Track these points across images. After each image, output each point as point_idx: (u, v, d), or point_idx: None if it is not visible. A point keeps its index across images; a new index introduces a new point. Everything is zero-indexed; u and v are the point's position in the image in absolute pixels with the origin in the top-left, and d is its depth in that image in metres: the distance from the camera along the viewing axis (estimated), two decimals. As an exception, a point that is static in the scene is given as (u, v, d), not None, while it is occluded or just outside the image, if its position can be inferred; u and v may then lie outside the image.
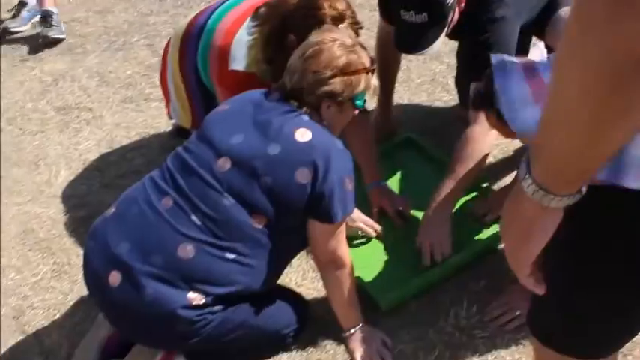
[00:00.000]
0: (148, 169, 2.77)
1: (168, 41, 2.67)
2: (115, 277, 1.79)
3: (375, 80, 2.00)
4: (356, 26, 2.18)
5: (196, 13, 2.56)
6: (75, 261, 2.48)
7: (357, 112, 2.01)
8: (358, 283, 2.08)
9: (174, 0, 4.23)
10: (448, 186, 2.28)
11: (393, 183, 2.61)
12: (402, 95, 3.17)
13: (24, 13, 4.01)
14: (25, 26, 4.00)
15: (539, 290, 1.06)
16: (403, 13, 2.16)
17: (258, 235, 1.82)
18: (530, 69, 1.32)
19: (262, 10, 2.27)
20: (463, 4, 2.24)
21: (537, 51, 3.02)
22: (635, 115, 0.77)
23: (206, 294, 1.78)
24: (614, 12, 0.69)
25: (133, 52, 3.72)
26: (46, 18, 3.87)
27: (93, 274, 1.89)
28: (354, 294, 2.01)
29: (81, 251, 2.47)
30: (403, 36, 2.26)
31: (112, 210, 1.94)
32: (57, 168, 2.95)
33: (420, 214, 2.37)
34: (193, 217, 1.81)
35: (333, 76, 1.87)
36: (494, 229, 2.35)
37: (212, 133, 1.90)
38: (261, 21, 2.25)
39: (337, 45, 1.88)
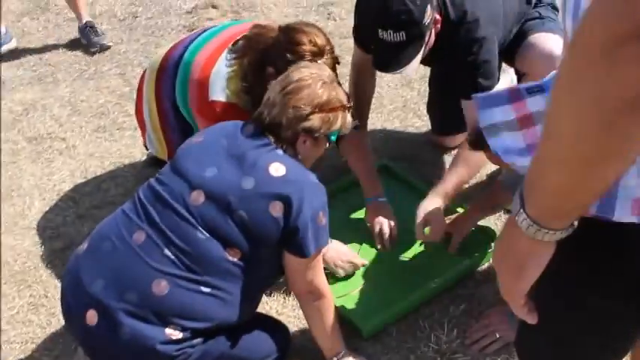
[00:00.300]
0: (124, 199, 2.76)
1: (143, 73, 2.67)
2: (91, 317, 1.77)
3: (349, 117, 2.02)
4: (334, 61, 2.21)
5: (170, 46, 2.57)
6: (52, 293, 2.45)
7: (328, 145, 2.03)
8: (339, 311, 2.09)
9: (145, 29, 4.22)
10: (449, 178, 2.38)
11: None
12: (374, 122, 3.20)
13: None
14: None
15: (532, 320, 1.08)
16: (381, 32, 2.19)
17: (233, 269, 1.82)
18: (515, 95, 1.35)
19: (240, 42, 2.29)
20: (439, 25, 2.28)
21: (508, 77, 3.07)
22: (629, 153, 0.80)
23: (183, 329, 1.77)
24: (611, 53, 0.71)
25: (105, 81, 3.69)
26: (93, 28, 3.97)
27: (70, 312, 1.88)
28: (336, 322, 2.01)
29: (58, 283, 2.45)
30: (381, 55, 2.29)
31: (84, 246, 1.92)
32: (30, 199, 2.91)
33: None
34: (167, 252, 1.79)
35: (312, 112, 1.89)
36: (473, 253, 2.38)
37: (186, 166, 1.90)
38: (240, 54, 2.26)
39: (317, 82, 1.90)
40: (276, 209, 1.80)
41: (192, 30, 4.03)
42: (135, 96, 2.78)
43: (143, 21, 4.31)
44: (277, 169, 1.84)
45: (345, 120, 1.97)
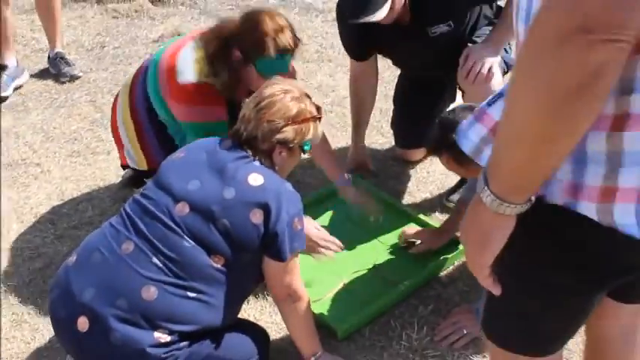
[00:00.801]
0: (101, 219, 2.86)
1: (117, 94, 2.77)
2: (83, 323, 1.84)
3: (320, 127, 2.15)
4: (296, 39, 2.39)
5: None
6: (34, 310, 2.49)
7: (302, 155, 2.15)
8: (318, 315, 2.20)
9: (113, 58, 4.31)
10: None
11: (341, 222, 2.75)
12: (339, 140, 3.34)
13: (4, 78, 3.88)
14: (7, 91, 3.87)
15: (497, 291, 1.20)
16: None
17: (217, 274, 1.91)
18: (480, 113, 1.47)
19: (205, 32, 2.43)
20: None
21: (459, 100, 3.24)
22: (576, 133, 0.93)
23: (171, 332, 1.85)
24: (560, 44, 0.84)
25: (76, 108, 3.76)
26: (64, 58, 4.05)
27: (60, 322, 1.93)
28: (312, 323, 2.11)
29: (40, 300, 2.51)
30: (350, 4, 2.49)
31: (73, 258, 1.99)
32: (8, 222, 2.95)
33: (363, 248, 2.53)
34: (155, 260, 1.88)
35: (286, 125, 2.01)
36: (438, 257, 2.50)
37: (169, 180, 1.99)
38: (205, 41, 2.39)
39: (288, 96, 2.03)
40: (257, 216, 1.91)
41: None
42: (109, 119, 2.85)
43: (111, 50, 4.40)
44: (256, 179, 1.94)
45: (316, 130, 2.10)
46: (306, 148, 2.10)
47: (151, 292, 1.84)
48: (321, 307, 2.35)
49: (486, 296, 1.44)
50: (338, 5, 2.78)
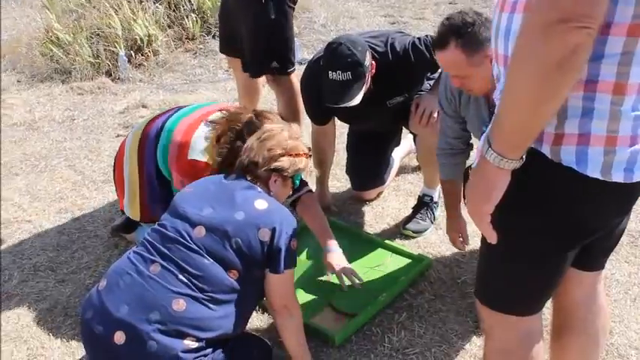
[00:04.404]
0: (97, 264, 2.99)
1: (123, 142, 2.94)
2: (119, 337, 1.97)
3: (310, 163, 2.38)
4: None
5: (149, 120, 2.89)
6: (48, 344, 2.56)
7: (291, 190, 2.38)
8: (315, 327, 2.44)
9: (84, 129, 4.44)
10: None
11: (315, 250, 2.95)
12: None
13: None
14: None
15: (493, 239, 1.42)
16: (331, 73, 2.65)
17: (233, 287, 2.09)
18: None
19: (220, 116, 2.55)
20: (374, 70, 2.76)
21: (408, 142, 3.55)
22: (560, 97, 1.20)
23: (198, 339, 2.01)
24: (545, 31, 1.12)
25: (57, 172, 3.86)
26: None
27: (96, 340, 2.04)
28: (303, 334, 2.30)
29: (52, 337, 2.59)
30: (331, 92, 2.71)
31: (103, 283, 2.12)
32: (9, 272, 3.01)
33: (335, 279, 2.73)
34: (181, 277, 2.05)
35: (282, 155, 2.24)
36: (408, 272, 2.79)
37: (185, 210, 2.18)
38: (218, 125, 2.51)
39: (286, 133, 2.28)
40: (264, 235, 2.10)
41: (127, 127, 4.32)
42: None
43: (81, 122, 4.54)
44: (261, 204, 2.15)
45: (307, 165, 2.33)
46: (296, 181, 2.33)
47: (180, 304, 2.00)
48: (317, 320, 2.55)
49: (478, 268, 1.68)
50: (305, 78, 3.04)
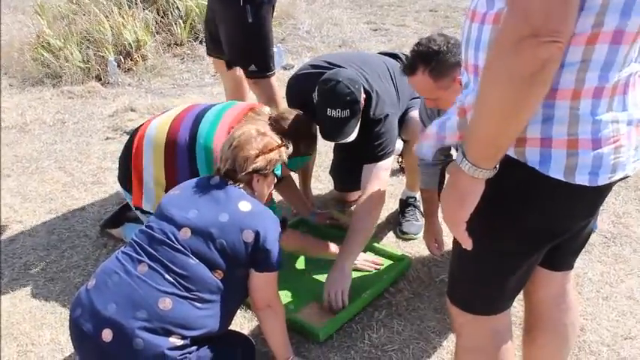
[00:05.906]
0: (87, 263, 2.98)
1: (134, 143, 2.79)
2: (107, 334, 1.98)
3: (285, 151, 2.36)
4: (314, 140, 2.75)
5: (165, 121, 2.78)
6: (37, 341, 2.56)
7: (276, 180, 2.39)
8: (300, 323, 2.45)
9: (74, 131, 4.43)
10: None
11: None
12: (287, 188, 3.57)
13: None
14: None
15: (469, 245, 1.41)
16: (330, 111, 2.63)
17: (218, 286, 2.10)
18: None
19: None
20: (363, 103, 2.74)
21: (399, 143, 3.56)
22: (531, 110, 1.21)
23: (183, 337, 2.02)
24: (515, 46, 1.13)
25: (48, 174, 3.86)
26: None
27: (84, 337, 2.04)
28: (286, 331, 2.31)
29: (42, 333, 2.58)
30: (330, 128, 2.71)
31: (92, 282, 2.12)
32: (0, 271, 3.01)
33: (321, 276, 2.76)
34: (167, 276, 2.06)
35: (257, 156, 2.24)
36: (389, 272, 2.81)
37: (171, 212, 2.18)
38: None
39: (254, 133, 2.28)
40: (248, 236, 2.12)
41: (116, 130, 4.32)
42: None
43: (71, 125, 4.53)
44: (244, 206, 2.16)
45: (282, 154, 2.34)
46: (277, 173, 2.34)
47: (166, 303, 2.01)
48: (302, 316, 2.56)
49: (449, 269, 1.70)
50: (291, 86, 3.01)
